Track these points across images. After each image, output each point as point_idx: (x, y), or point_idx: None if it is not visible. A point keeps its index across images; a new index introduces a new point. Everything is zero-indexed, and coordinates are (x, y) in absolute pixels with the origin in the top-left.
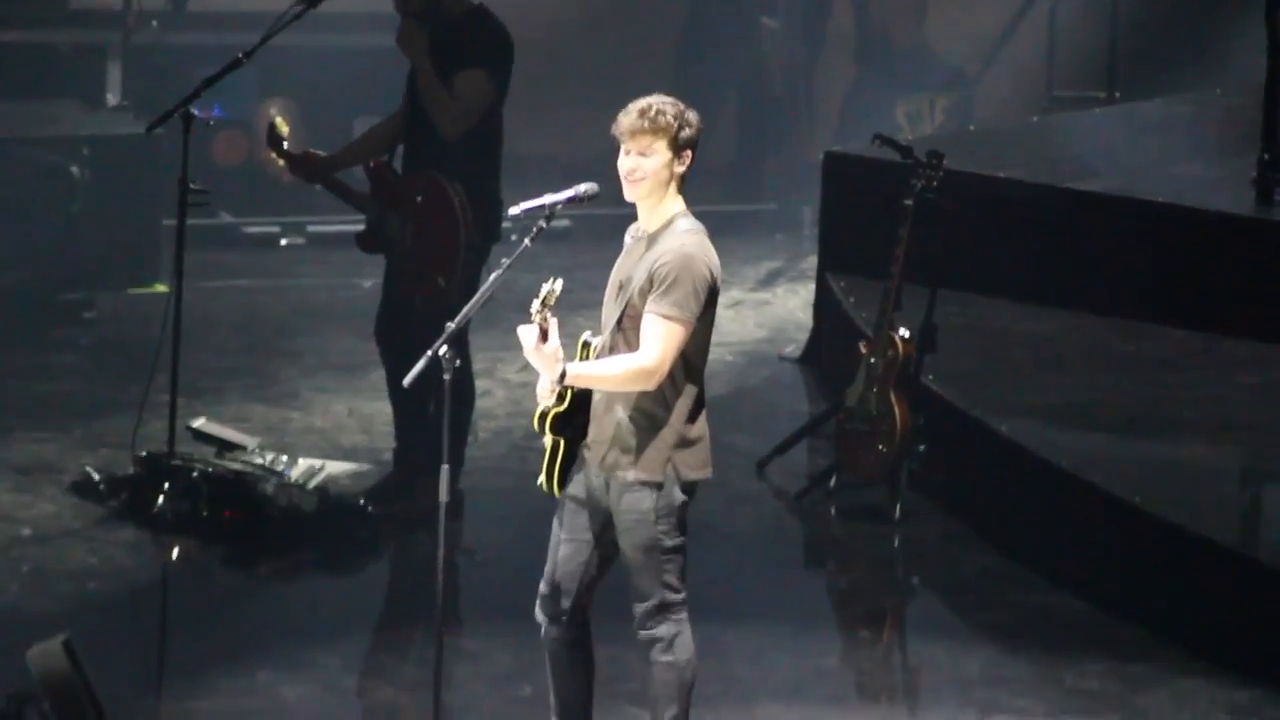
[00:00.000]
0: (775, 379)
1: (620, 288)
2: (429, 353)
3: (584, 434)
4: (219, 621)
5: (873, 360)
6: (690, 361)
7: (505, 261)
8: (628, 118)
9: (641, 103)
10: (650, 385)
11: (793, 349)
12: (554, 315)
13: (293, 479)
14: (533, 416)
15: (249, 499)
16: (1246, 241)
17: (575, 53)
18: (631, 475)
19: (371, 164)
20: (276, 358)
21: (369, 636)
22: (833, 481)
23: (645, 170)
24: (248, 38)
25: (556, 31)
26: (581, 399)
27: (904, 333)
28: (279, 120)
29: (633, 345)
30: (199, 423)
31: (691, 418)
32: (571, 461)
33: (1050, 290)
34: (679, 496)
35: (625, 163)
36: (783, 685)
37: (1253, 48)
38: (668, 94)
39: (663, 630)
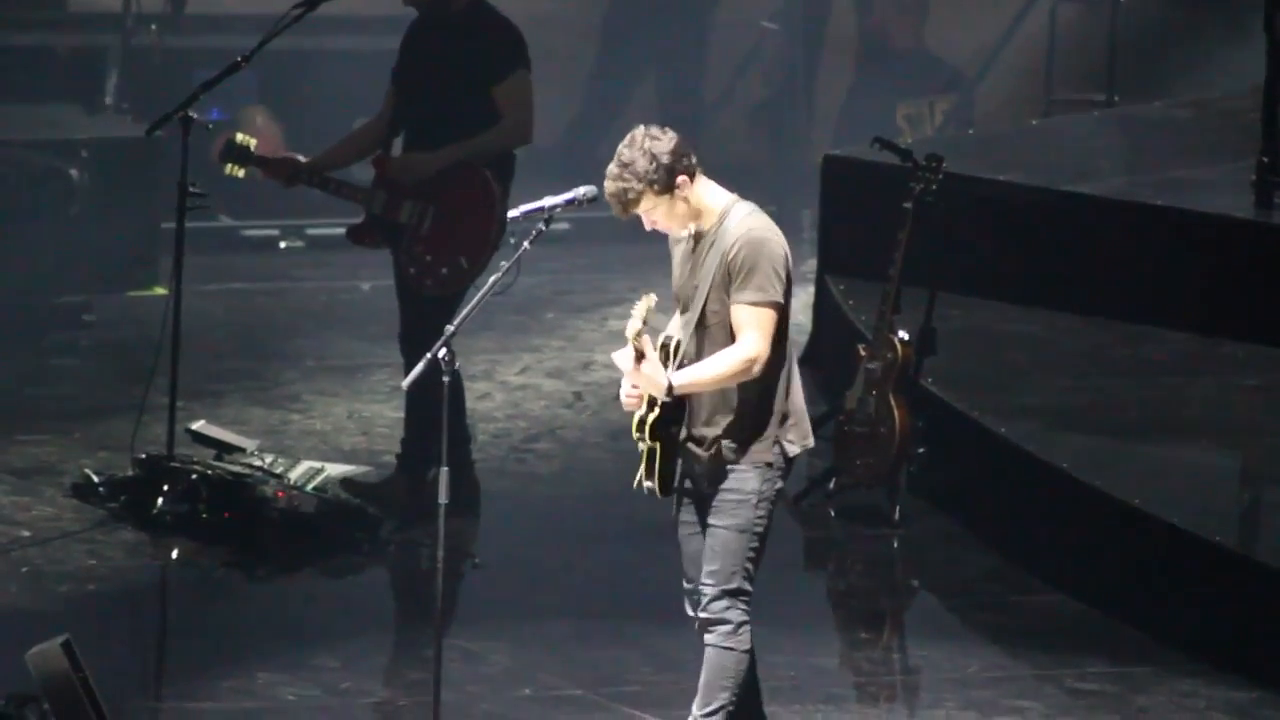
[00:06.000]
0: None
1: (695, 290)
2: (428, 355)
3: (679, 431)
4: (218, 623)
5: (872, 363)
6: (775, 338)
7: (504, 264)
8: (611, 206)
9: (609, 186)
10: (757, 372)
11: None
12: (646, 332)
13: (292, 481)
14: (631, 423)
15: (248, 501)
16: (1246, 244)
17: (575, 56)
18: (739, 459)
19: (376, 159)
20: (275, 360)
21: (369, 638)
22: (832, 484)
23: (661, 222)
24: (247, 41)
25: (556, 34)
26: (676, 398)
27: (903, 335)
28: (236, 136)
29: (719, 343)
30: (198, 425)
31: (787, 393)
32: (673, 460)
33: (1050, 293)
34: (779, 483)
35: (645, 225)
36: (783, 686)
37: (1252, 51)
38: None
39: (733, 615)
